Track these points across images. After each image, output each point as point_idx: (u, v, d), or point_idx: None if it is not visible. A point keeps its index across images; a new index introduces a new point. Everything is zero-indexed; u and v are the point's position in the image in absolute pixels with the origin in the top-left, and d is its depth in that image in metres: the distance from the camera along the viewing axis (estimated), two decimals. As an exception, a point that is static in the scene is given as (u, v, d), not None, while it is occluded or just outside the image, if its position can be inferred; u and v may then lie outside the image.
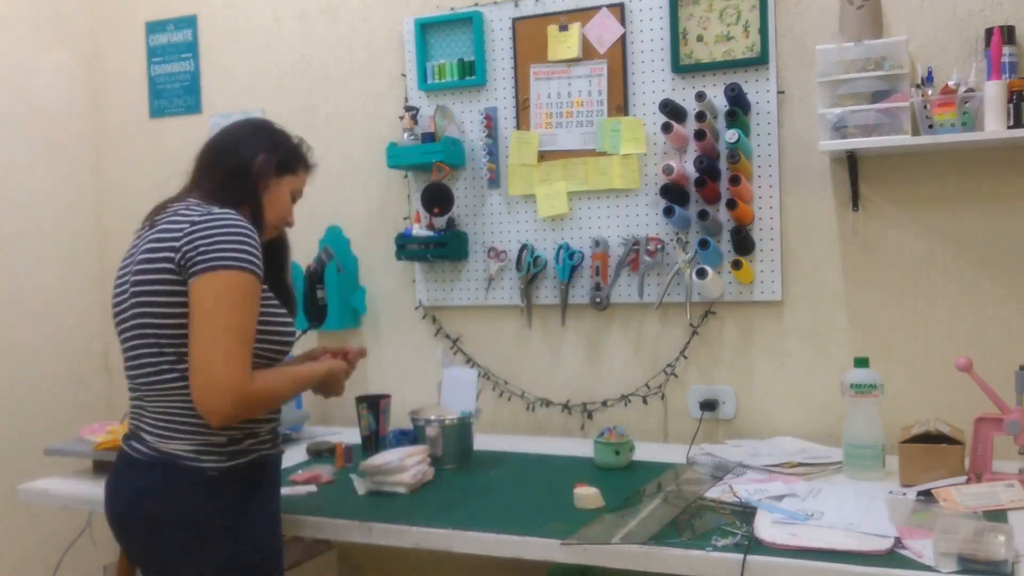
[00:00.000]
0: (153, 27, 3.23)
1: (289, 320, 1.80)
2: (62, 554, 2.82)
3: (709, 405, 2.51)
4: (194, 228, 1.64)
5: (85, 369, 3.30)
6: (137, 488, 1.71)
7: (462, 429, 2.33)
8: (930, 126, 2.14)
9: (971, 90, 2.11)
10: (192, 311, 1.61)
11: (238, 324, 1.60)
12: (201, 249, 1.62)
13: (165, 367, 1.67)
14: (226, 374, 1.58)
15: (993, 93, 2.08)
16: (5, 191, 3.04)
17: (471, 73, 2.73)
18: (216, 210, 1.68)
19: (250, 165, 1.80)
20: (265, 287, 1.72)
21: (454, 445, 2.32)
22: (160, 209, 1.77)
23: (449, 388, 2.49)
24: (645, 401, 2.60)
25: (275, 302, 1.77)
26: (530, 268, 2.66)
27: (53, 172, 3.21)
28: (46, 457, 2.44)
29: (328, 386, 1.95)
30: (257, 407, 1.69)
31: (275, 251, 1.89)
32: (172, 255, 1.64)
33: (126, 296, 1.71)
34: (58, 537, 2.89)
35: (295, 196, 1.92)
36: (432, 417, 2.32)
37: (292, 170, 1.88)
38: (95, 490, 2.22)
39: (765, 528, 1.70)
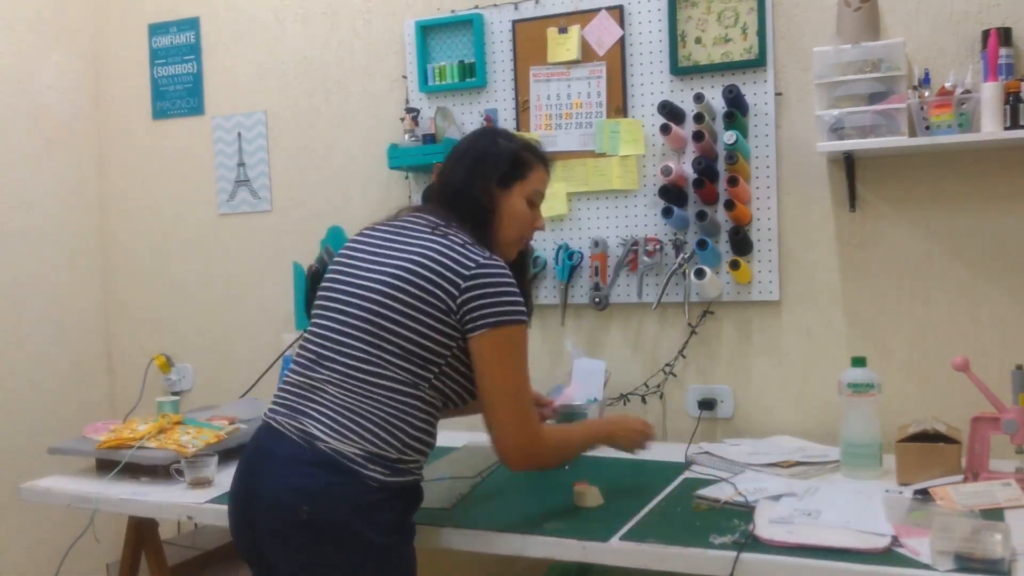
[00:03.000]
0: (156, 29, 3.24)
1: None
2: (65, 553, 2.82)
3: (707, 404, 2.52)
4: (478, 274, 1.70)
5: (88, 368, 3.32)
6: (296, 485, 1.67)
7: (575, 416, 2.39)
8: (927, 127, 2.15)
9: (968, 91, 2.12)
10: (480, 366, 1.72)
11: (523, 383, 1.76)
12: (483, 303, 1.69)
13: (386, 374, 1.70)
14: (522, 437, 1.75)
15: (990, 94, 2.09)
16: (8, 191, 3.06)
17: (471, 75, 2.74)
18: (488, 256, 1.73)
19: (475, 196, 1.81)
20: None
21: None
22: (433, 224, 1.79)
23: (579, 378, 2.52)
24: (644, 400, 2.61)
25: None
26: (530, 268, 2.67)
27: (56, 173, 3.22)
28: (49, 456, 2.45)
29: (622, 441, 2.02)
30: (549, 458, 1.87)
31: (516, 258, 1.92)
32: (453, 291, 1.69)
33: (373, 288, 1.73)
34: (61, 536, 2.89)
35: (534, 199, 1.90)
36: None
37: (519, 177, 1.86)
38: (98, 489, 2.25)
39: (763, 526, 1.71)
